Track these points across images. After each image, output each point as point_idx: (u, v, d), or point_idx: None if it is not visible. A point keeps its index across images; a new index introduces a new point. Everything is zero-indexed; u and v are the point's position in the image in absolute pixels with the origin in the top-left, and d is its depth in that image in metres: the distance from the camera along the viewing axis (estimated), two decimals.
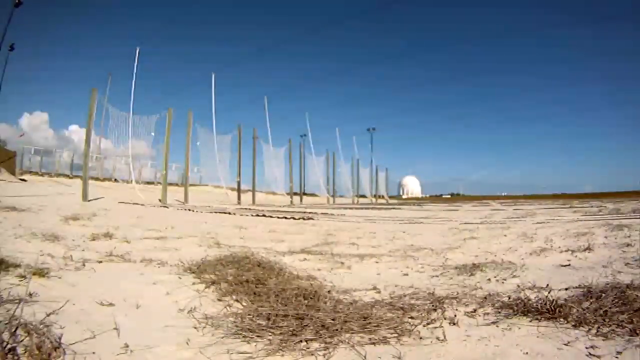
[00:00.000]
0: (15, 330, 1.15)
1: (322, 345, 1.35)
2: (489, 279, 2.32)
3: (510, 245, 3.65)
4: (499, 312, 1.67)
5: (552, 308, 1.57)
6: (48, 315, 1.41)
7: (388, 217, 8.74)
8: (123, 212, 7.26)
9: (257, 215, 7.85)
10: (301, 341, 1.37)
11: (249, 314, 1.63)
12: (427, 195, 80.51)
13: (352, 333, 1.45)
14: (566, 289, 1.95)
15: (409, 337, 1.44)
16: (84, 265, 2.44)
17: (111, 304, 1.75)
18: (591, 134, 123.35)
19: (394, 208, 15.09)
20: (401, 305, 1.77)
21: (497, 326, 1.53)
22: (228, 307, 1.77)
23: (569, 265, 2.62)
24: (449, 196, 79.51)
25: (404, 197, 70.66)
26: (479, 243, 3.89)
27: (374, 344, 1.38)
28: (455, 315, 1.66)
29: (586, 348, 1.28)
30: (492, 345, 1.37)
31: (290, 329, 1.45)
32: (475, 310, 1.72)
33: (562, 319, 1.51)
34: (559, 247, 3.29)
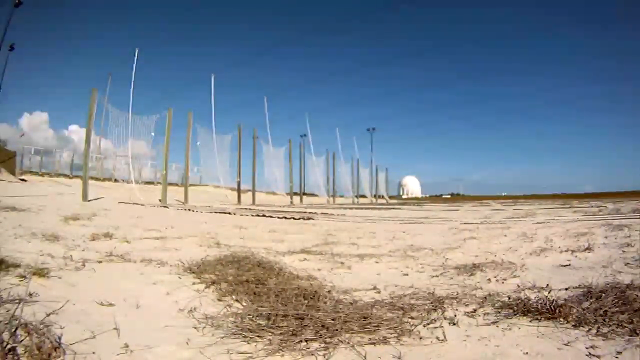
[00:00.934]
0: (15, 330, 1.16)
1: (322, 345, 1.35)
2: (489, 279, 2.32)
3: (510, 245, 3.65)
4: (499, 312, 1.67)
5: (552, 308, 1.57)
6: (48, 315, 1.41)
7: (388, 217, 8.74)
8: (123, 212, 7.27)
9: (257, 215, 7.85)
10: (301, 341, 1.37)
11: (249, 314, 1.63)
12: (427, 195, 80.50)
13: (352, 333, 1.45)
14: (566, 289, 1.95)
15: (409, 337, 1.44)
16: (84, 265, 2.44)
17: (111, 304, 1.75)
18: (591, 134, 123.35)
19: (393, 208, 15.10)
20: (401, 305, 1.77)
21: (497, 326, 1.53)
22: (228, 307, 1.77)
23: (569, 265, 2.62)
24: (449, 196, 79.53)
25: (404, 197, 70.65)
26: (479, 243, 3.89)
27: (374, 344, 1.38)
28: (455, 315, 1.66)
29: (586, 348, 1.28)
30: (492, 345, 1.37)
31: (290, 329, 1.45)
32: (475, 310, 1.72)
33: (562, 319, 1.51)
34: (559, 247, 3.29)
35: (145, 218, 6.20)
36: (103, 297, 1.80)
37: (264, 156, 21.82)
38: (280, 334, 1.42)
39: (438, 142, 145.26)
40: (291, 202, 20.96)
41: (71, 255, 2.66)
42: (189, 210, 9.30)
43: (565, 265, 2.62)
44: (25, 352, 1.11)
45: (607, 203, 13.97)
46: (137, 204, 10.37)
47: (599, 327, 1.40)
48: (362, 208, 15.09)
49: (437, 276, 2.49)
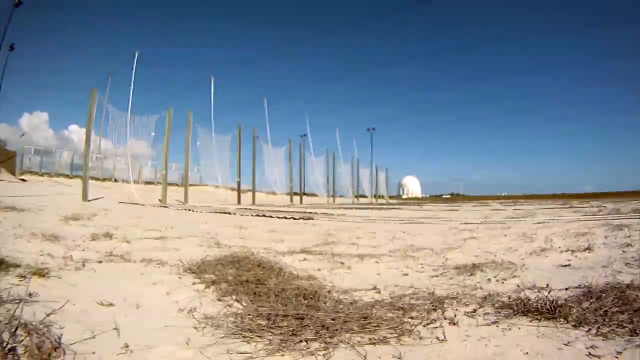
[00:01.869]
0: (15, 330, 1.16)
1: (322, 345, 1.35)
2: (489, 279, 2.32)
3: (510, 245, 3.64)
4: (499, 312, 1.67)
5: (552, 308, 1.57)
6: (48, 315, 1.41)
7: (388, 217, 8.74)
8: (123, 212, 7.27)
9: (257, 215, 7.85)
10: (301, 341, 1.37)
11: (249, 314, 1.63)
12: (427, 195, 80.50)
13: (352, 333, 1.45)
14: (566, 289, 1.95)
15: (409, 337, 1.44)
16: (84, 265, 2.44)
17: (111, 304, 1.75)
18: (591, 134, 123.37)
19: (394, 208, 15.10)
20: (401, 305, 1.77)
21: (497, 326, 1.53)
22: (228, 307, 1.77)
23: (569, 265, 2.62)
24: (449, 196, 79.55)
25: (404, 197, 70.64)
26: (479, 243, 3.89)
27: (374, 344, 1.38)
28: (455, 315, 1.66)
29: (586, 348, 1.28)
30: (492, 345, 1.37)
31: (290, 329, 1.45)
32: (475, 310, 1.72)
33: (562, 319, 1.51)
34: (559, 247, 3.29)
35: (145, 218, 6.20)
36: (103, 297, 1.80)
37: (264, 156, 21.83)
38: (280, 334, 1.42)
39: (438, 142, 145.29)
40: (291, 202, 20.96)
41: (71, 255, 2.66)
42: (189, 210, 9.30)
43: (565, 265, 2.61)
44: (25, 352, 1.11)
45: (607, 203, 13.97)
46: (137, 203, 10.38)
47: (599, 327, 1.40)
48: (362, 208, 15.09)
49: (437, 276, 2.49)
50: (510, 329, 1.49)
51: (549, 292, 1.83)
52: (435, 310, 1.72)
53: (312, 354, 1.30)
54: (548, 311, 1.56)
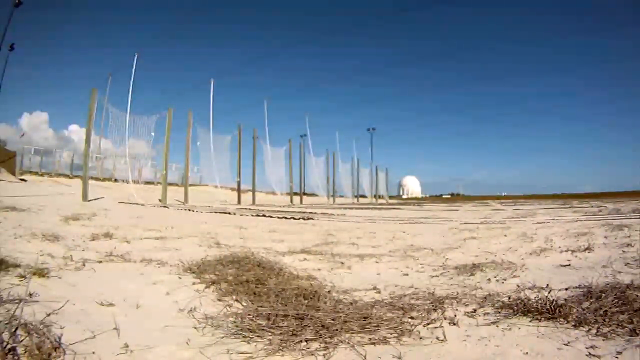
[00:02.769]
0: (15, 330, 1.15)
1: (322, 345, 1.35)
2: (489, 279, 2.32)
3: (510, 245, 3.64)
4: (499, 312, 1.67)
5: (552, 308, 1.57)
6: (48, 315, 1.41)
7: (388, 217, 8.74)
8: (123, 212, 7.26)
9: (257, 215, 7.85)
10: (301, 341, 1.37)
11: (249, 314, 1.63)
12: (427, 195, 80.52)
13: (352, 333, 1.45)
14: (566, 289, 1.95)
15: (409, 337, 1.44)
16: (84, 265, 2.44)
17: (111, 304, 1.75)
18: (591, 134, 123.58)
19: (394, 208, 15.09)
20: (401, 305, 1.77)
21: (497, 326, 1.53)
22: (228, 307, 1.77)
23: (569, 265, 2.62)
24: (449, 196, 79.50)
25: (404, 197, 70.64)
26: (479, 243, 3.89)
27: (374, 344, 1.38)
28: (455, 315, 1.66)
29: (586, 348, 1.28)
30: (492, 345, 1.37)
31: (290, 329, 1.45)
32: (475, 310, 1.72)
33: (562, 319, 1.51)
34: (559, 247, 3.28)
35: (145, 218, 6.20)
36: (103, 297, 1.80)
37: (264, 156, 21.83)
38: (280, 334, 1.42)
39: (438, 142, 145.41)
40: (291, 202, 20.95)
41: (71, 255, 2.66)
42: (189, 210, 9.29)
43: (565, 265, 2.61)
44: (25, 352, 1.11)
45: (607, 203, 13.97)
46: (137, 203, 10.37)
47: (599, 327, 1.40)
48: (362, 208, 15.09)
49: (437, 276, 2.49)
50: (510, 329, 1.49)
51: (549, 292, 1.83)
52: (435, 310, 1.72)
53: (312, 354, 1.30)
54: (548, 311, 1.56)
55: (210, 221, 6.36)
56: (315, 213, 9.33)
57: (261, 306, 1.72)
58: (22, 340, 1.15)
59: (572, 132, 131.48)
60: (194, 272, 2.37)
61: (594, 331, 1.38)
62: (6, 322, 1.19)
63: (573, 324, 1.46)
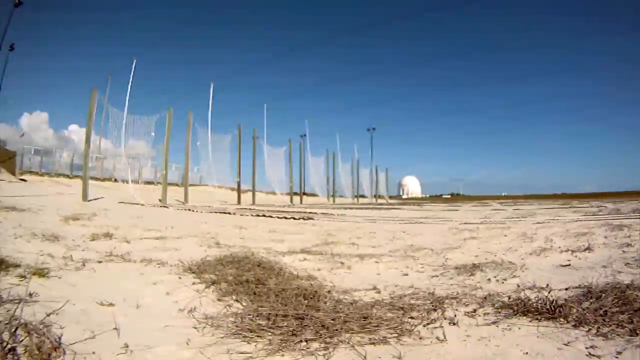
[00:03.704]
0: (15, 330, 1.15)
1: (322, 345, 1.35)
2: (489, 279, 2.32)
3: (510, 245, 3.64)
4: (499, 312, 1.67)
5: (552, 308, 1.57)
6: (48, 315, 1.41)
7: (388, 217, 8.74)
8: (123, 212, 7.26)
9: (257, 215, 7.85)
10: (301, 341, 1.37)
11: (249, 314, 1.63)
12: (427, 195, 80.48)
13: (352, 333, 1.45)
14: (566, 289, 1.95)
15: (409, 337, 1.44)
16: (84, 265, 2.44)
17: (111, 304, 1.75)
18: (591, 134, 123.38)
19: (394, 208, 15.09)
20: (401, 305, 1.77)
21: (497, 326, 1.53)
22: (228, 307, 1.77)
23: (569, 265, 2.62)
24: (449, 196, 79.49)
25: (404, 197, 70.61)
26: (479, 243, 3.89)
27: (374, 344, 1.38)
28: (455, 315, 1.66)
29: (586, 348, 1.28)
30: (492, 345, 1.37)
31: (290, 329, 1.45)
32: (475, 310, 1.72)
33: (562, 319, 1.51)
34: (559, 247, 3.29)
35: (145, 218, 6.20)
36: (103, 297, 1.80)
37: (264, 156, 21.82)
38: (280, 334, 1.42)
39: (438, 142, 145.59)
40: (291, 202, 20.95)
41: (71, 255, 2.66)
42: (189, 210, 9.29)
43: (565, 265, 2.61)
44: (25, 352, 1.11)
45: (607, 203, 13.97)
46: (137, 203, 10.38)
47: (599, 327, 1.40)
48: (362, 208, 15.08)
49: (437, 276, 2.49)
50: (510, 329, 1.49)
51: (549, 292, 1.83)
52: (435, 310, 1.72)
53: (312, 354, 1.30)
54: (548, 311, 1.56)
55: (210, 221, 6.36)
56: (315, 213, 9.33)
57: (261, 306, 1.72)
58: (22, 340, 1.15)
59: (573, 132, 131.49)
60: (194, 272, 2.37)
61: (594, 331, 1.38)
62: (6, 322, 1.19)
63: (573, 324, 1.46)
